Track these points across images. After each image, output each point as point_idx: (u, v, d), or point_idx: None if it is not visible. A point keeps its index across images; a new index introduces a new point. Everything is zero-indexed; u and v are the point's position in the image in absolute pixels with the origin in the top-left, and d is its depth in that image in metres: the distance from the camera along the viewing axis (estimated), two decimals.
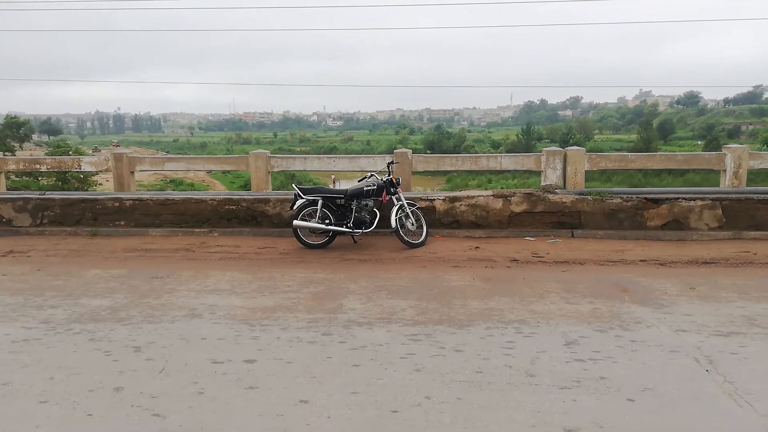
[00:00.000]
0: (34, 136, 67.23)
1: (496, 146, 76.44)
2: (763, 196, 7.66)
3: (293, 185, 7.60)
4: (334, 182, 25.06)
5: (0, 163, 11.35)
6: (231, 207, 8.44)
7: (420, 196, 8.33)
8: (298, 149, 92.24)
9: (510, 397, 3.35)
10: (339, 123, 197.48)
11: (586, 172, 9.57)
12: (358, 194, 7.49)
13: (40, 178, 25.09)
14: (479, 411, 3.21)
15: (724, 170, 9.57)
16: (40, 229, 8.65)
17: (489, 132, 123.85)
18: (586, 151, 9.77)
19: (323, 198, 7.43)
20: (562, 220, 7.95)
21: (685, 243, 7.36)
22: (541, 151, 9.98)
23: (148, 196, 8.77)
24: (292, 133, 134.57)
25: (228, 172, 37.15)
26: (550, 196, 7.99)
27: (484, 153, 48.38)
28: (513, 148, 64.90)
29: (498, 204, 8.02)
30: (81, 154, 25.33)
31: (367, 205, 7.46)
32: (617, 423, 3.08)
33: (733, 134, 79.29)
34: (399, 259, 6.84)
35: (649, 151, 38.24)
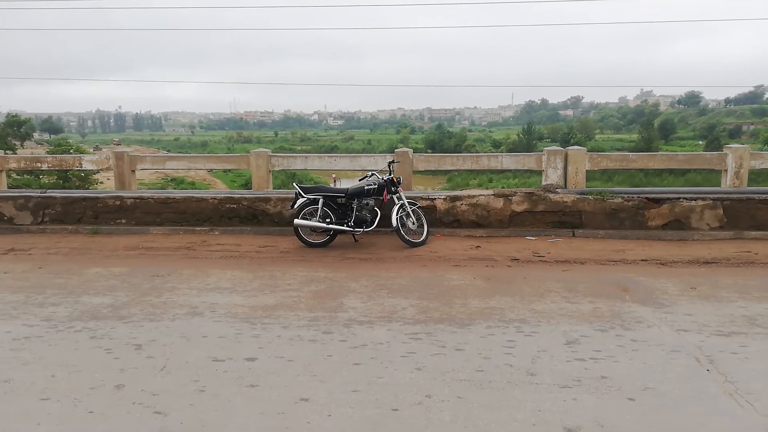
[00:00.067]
0: (35, 135, 67.20)
1: (497, 146, 76.27)
2: (764, 196, 7.65)
3: (294, 184, 7.59)
4: (335, 181, 25.10)
5: (1, 162, 11.37)
6: (232, 206, 8.45)
7: (421, 195, 8.32)
8: (299, 148, 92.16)
9: (511, 396, 3.36)
10: (340, 122, 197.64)
11: (587, 171, 9.58)
12: (359, 193, 7.49)
13: (41, 177, 25.17)
14: (480, 410, 3.21)
15: (726, 170, 9.57)
16: (41, 227, 8.66)
17: (490, 131, 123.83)
18: (587, 151, 9.78)
19: (324, 197, 7.43)
20: (563, 220, 7.95)
21: (686, 243, 7.36)
22: (542, 151, 9.98)
23: (149, 195, 8.77)
24: (293, 132, 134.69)
25: (229, 171, 37.13)
26: (551, 195, 7.99)
27: (485, 152, 48.56)
28: (514, 148, 64.77)
29: (499, 203, 8.02)
30: (82, 153, 25.31)
31: (368, 204, 7.46)
32: (618, 422, 3.08)
33: (734, 134, 79.25)
34: (400, 258, 6.84)
35: (650, 151, 38.07)
